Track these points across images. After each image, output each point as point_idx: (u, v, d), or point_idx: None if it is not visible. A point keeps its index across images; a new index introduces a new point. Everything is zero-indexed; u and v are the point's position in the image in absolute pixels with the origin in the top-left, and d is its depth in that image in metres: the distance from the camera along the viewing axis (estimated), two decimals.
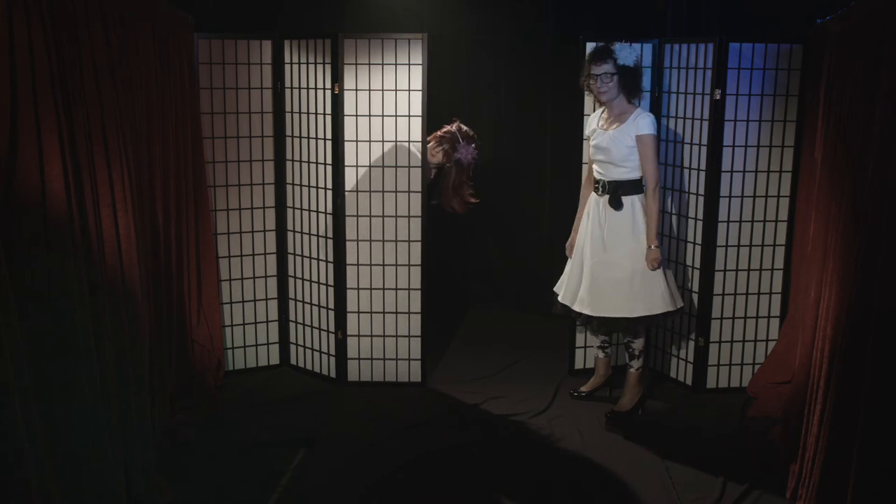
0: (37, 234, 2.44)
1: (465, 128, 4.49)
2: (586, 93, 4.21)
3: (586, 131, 4.24)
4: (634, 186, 3.99)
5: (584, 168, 4.39)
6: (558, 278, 4.32)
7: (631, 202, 3.98)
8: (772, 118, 4.35)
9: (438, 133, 4.48)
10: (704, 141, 4.35)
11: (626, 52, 3.92)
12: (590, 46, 4.43)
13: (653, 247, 3.94)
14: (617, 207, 3.98)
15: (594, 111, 4.26)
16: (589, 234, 4.07)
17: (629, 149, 3.94)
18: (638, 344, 4.18)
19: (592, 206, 4.10)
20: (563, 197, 4.65)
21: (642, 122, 3.93)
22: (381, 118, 4.39)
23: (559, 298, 4.24)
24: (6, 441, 2.20)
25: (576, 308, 4.09)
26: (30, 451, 2.29)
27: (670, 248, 4.60)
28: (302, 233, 4.69)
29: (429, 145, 4.43)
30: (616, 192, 3.98)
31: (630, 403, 4.22)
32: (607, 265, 3.98)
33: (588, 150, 4.22)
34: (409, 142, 4.39)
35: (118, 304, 3.00)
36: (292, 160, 4.65)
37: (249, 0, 5.21)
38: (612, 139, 3.96)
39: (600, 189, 4.04)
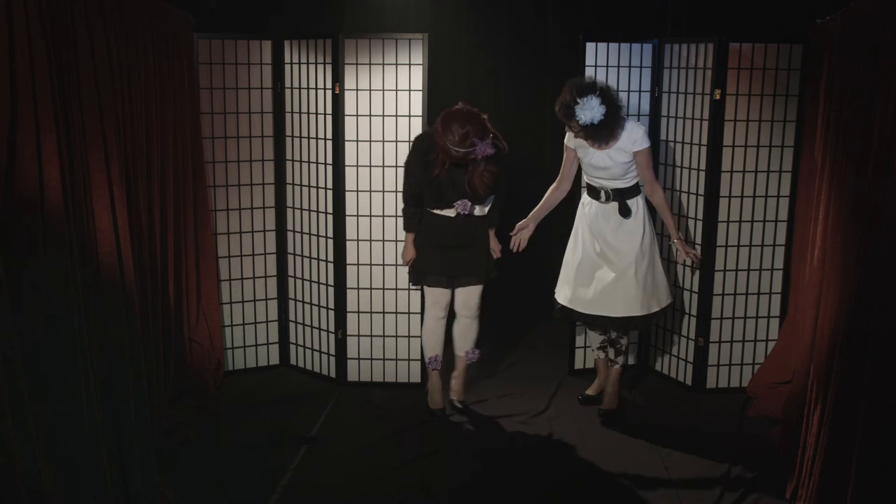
0: (35, 235, 2.44)
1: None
2: None
3: (568, 142, 4.09)
4: (635, 190, 4.05)
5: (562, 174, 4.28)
6: (557, 279, 4.31)
7: (635, 204, 4.03)
8: (772, 118, 4.35)
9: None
10: (704, 141, 4.35)
11: (588, 113, 3.76)
12: (589, 47, 4.44)
13: (677, 240, 4.11)
14: (627, 215, 4.01)
15: None
16: (597, 240, 4.06)
17: (627, 164, 3.97)
18: (625, 341, 4.22)
19: (594, 212, 4.07)
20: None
21: (638, 137, 3.92)
22: (381, 118, 4.39)
23: (567, 304, 4.16)
24: (0, 442, 2.20)
25: (589, 312, 4.07)
26: (23, 452, 2.29)
27: (670, 248, 4.60)
28: (302, 233, 4.69)
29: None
30: (622, 199, 4.01)
31: (616, 400, 4.26)
32: (621, 268, 4.00)
33: (566, 158, 4.14)
34: (409, 142, 4.39)
35: (116, 304, 3.00)
36: (292, 160, 4.65)
37: (249, 0, 5.21)
38: (610, 158, 3.96)
39: (603, 197, 4.04)
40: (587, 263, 4.10)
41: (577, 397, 4.45)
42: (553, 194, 4.25)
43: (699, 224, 4.43)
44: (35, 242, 2.44)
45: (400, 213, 4.37)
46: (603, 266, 4.05)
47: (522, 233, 4.19)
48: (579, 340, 4.79)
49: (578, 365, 4.82)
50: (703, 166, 4.37)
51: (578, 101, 3.78)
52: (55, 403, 2.56)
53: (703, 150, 4.36)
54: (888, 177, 2.67)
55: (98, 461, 2.72)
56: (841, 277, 3.09)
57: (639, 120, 4.57)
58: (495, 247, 4.20)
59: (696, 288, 4.50)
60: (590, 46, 4.44)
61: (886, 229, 2.68)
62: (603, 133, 3.86)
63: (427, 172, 3.94)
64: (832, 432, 2.99)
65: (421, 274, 4.16)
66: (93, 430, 2.70)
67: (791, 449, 3.54)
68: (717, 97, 4.26)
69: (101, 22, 2.97)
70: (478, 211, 4.07)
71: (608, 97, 3.81)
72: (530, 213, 4.24)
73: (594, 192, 4.08)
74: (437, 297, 4.16)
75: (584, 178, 4.18)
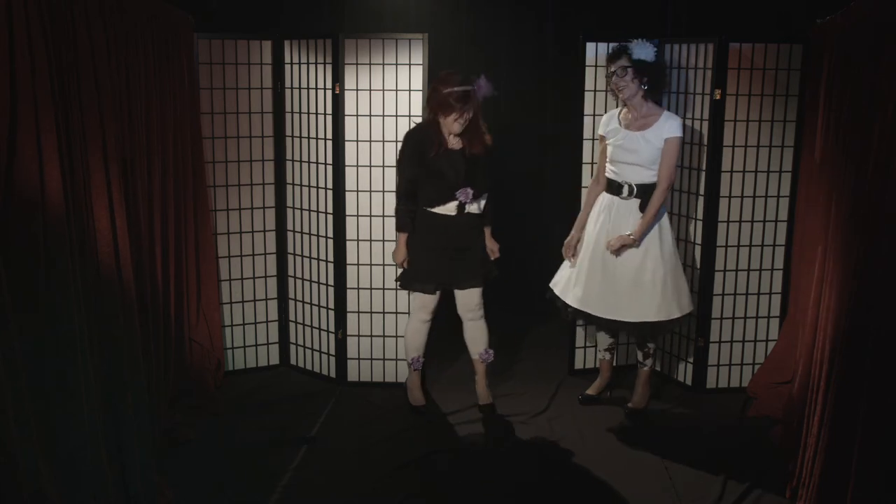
0: (35, 235, 2.44)
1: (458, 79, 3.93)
2: (595, 93, 4.16)
3: (601, 130, 4.08)
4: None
5: (587, 168, 4.36)
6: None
7: None
8: (772, 118, 4.35)
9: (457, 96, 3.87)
10: (704, 141, 4.35)
11: (642, 49, 3.84)
12: (590, 47, 4.44)
13: (631, 236, 3.85)
14: None
15: (594, 111, 4.24)
16: (609, 237, 3.93)
17: (659, 150, 3.85)
18: (653, 344, 4.21)
19: (612, 208, 3.95)
20: (562, 197, 4.64)
21: (674, 125, 3.85)
22: (381, 118, 4.39)
23: (570, 303, 4.07)
24: (0, 443, 2.20)
25: (600, 314, 3.97)
26: (23, 452, 2.29)
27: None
28: (302, 233, 4.69)
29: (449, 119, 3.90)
30: (645, 196, 3.87)
31: (644, 401, 4.25)
32: (637, 270, 3.89)
33: (601, 150, 4.08)
34: None
35: (116, 304, 3.00)
36: (292, 160, 4.65)
37: (249, 0, 5.21)
38: (645, 140, 3.86)
39: (626, 192, 3.91)
40: (597, 263, 3.96)
41: (577, 397, 4.45)
42: (593, 191, 4.13)
43: (699, 224, 4.43)
44: (35, 242, 2.44)
45: None
46: (617, 267, 3.91)
47: (569, 251, 4.13)
48: (579, 340, 4.79)
49: (578, 365, 4.82)
50: (703, 166, 4.38)
51: (635, 41, 3.86)
52: (55, 403, 2.56)
53: (704, 150, 4.36)
54: (888, 177, 2.67)
55: (98, 461, 2.73)
56: (841, 277, 3.09)
57: None
58: (493, 247, 4.19)
59: (696, 288, 4.50)
60: (590, 46, 4.44)
61: (886, 229, 2.69)
62: (652, 74, 3.85)
63: (422, 163, 3.92)
64: (832, 432, 2.99)
65: (413, 279, 4.13)
66: (93, 430, 2.70)
67: (791, 449, 3.54)
68: (717, 97, 4.26)
69: (101, 22, 2.97)
70: (476, 208, 4.03)
71: (661, 56, 3.92)
72: (576, 223, 4.16)
73: (615, 188, 3.94)
74: (425, 301, 4.15)
75: (605, 175, 4.02)
